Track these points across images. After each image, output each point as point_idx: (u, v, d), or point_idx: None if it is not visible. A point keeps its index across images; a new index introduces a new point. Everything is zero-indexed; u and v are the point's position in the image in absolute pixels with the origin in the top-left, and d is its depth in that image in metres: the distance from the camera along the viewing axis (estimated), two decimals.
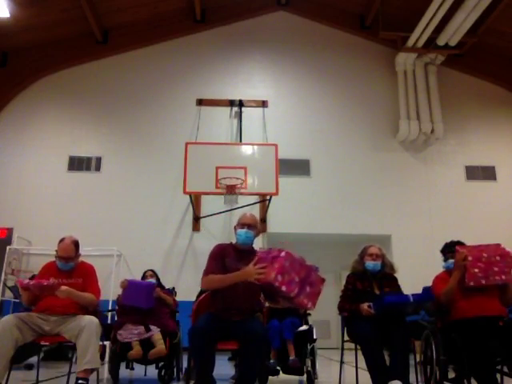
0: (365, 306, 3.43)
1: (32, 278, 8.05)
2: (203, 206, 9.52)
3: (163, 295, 4.54)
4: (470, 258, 3.28)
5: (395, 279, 3.78)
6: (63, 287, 3.30)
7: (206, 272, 3.06)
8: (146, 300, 4.28)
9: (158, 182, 9.76)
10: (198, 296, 4.80)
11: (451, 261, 3.55)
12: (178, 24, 10.85)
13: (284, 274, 2.71)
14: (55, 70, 10.51)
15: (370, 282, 3.69)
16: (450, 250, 3.65)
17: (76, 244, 3.58)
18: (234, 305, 3.01)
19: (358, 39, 11.08)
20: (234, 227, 3.28)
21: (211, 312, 3.04)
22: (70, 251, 3.52)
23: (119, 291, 4.57)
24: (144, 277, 4.85)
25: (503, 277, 3.25)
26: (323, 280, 2.87)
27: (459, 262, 3.33)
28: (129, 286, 4.36)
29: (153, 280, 4.70)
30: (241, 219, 3.27)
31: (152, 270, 4.90)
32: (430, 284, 3.62)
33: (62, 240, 3.56)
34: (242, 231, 3.19)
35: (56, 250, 3.56)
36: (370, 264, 3.73)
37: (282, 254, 2.75)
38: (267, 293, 3.06)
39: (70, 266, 3.55)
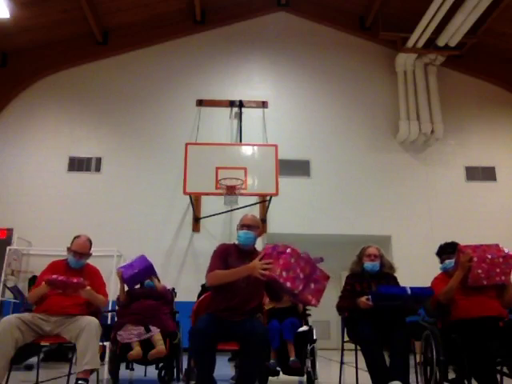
0: (363, 298, 3.43)
1: (32, 278, 8.09)
2: (203, 206, 9.52)
3: (155, 281, 4.55)
4: (475, 259, 3.29)
5: (394, 278, 3.78)
6: (88, 287, 3.35)
7: (211, 269, 3.07)
8: (141, 264, 4.45)
9: (158, 182, 9.76)
10: (198, 296, 4.80)
11: (448, 262, 3.58)
12: (178, 25, 10.85)
13: (289, 270, 2.73)
14: (55, 70, 10.51)
15: (369, 282, 3.69)
16: (444, 251, 3.67)
17: (91, 243, 3.69)
18: (235, 305, 3.01)
19: (357, 40, 11.09)
20: (237, 228, 3.31)
21: (211, 312, 3.03)
22: (85, 248, 3.62)
23: (119, 292, 4.56)
24: None
25: (503, 277, 3.30)
26: (328, 277, 2.88)
27: (464, 264, 3.31)
28: (124, 271, 4.42)
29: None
30: (241, 220, 3.30)
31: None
32: (429, 285, 3.62)
33: (77, 236, 3.66)
34: (242, 232, 3.22)
35: (68, 247, 3.62)
36: (368, 265, 3.73)
37: (288, 250, 2.77)
38: (271, 289, 3.07)
39: (81, 263, 3.62)
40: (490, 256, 3.29)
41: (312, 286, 2.80)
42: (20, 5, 8.86)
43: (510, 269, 3.31)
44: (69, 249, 3.61)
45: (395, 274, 3.82)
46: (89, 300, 3.46)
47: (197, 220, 9.51)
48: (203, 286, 4.90)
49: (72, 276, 3.43)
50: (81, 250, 3.58)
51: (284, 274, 2.72)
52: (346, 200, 9.90)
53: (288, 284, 2.72)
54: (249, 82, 10.65)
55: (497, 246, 3.37)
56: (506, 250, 3.34)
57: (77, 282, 3.28)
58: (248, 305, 3.05)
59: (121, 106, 10.35)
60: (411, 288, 3.32)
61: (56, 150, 10.01)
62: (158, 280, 4.70)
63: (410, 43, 10.00)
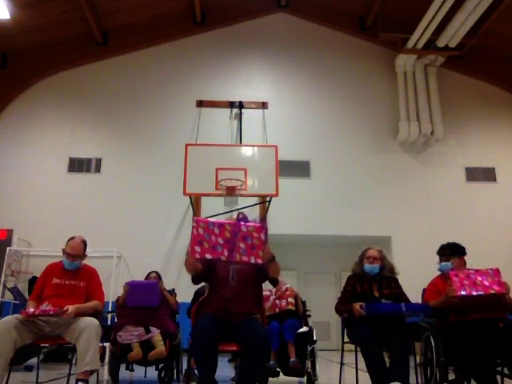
0: (357, 305, 3.43)
1: (32, 279, 8.08)
2: (203, 207, 9.50)
3: (167, 295, 4.55)
4: (459, 294, 3.16)
5: (395, 280, 3.77)
6: (69, 308, 3.25)
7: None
8: (150, 298, 4.32)
9: (158, 183, 9.76)
10: (192, 301, 4.78)
11: (444, 264, 3.60)
12: (178, 26, 10.86)
13: (202, 242, 2.62)
14: (55, 71, 10.52)
15: (370, 284, 3.68)
16: (443, 253, 3.67)
17: (85, 244, 3.69)
18: (232, 307, 2.99)
19: (357, 41, 11.09)
20: None
21: (211, 313, 3.02)
22: (78, 249, 3.60)
23: (119, 293, 4.56)
24: (147, 278, 4.85)
25: (495, 287, 3.12)
26: (260, 227, 2.66)
27: (448, 297, 3.24)
28: (131, 289, 4.36)
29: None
30: None
31: (156, 272, 4.89)
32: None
33: (72, 238, 3.67)
34: None
35: (63, 249, 3.62)
36: (368, 267, 3.72)
37: (193, 223, 2.66)
38: (262, 274, 3.04)
39: (76, 265, 3.61)
40: (475, 293, 3.13)
41: (241, 245, 2.63)
42: (20, 6, 8.86)
43: (501, 300, 3.18)
44: (63, 250, 3.62)
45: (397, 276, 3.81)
46: (73, 301, 3.37)
47: None
48: (196, 294, 4.89)
49: (67, 277, 3.52)
50: (73, 252, 3.57)
51: (197, 248, 2.60)
52: (346, 201, 9.90)
53: (208, 256, 2.61)
54: (249, 82, 10.65)
55: (495, 272, 3.20)
56: (502, 279, 3.16)
57: (54, 313, 3.22)
58: (241, 305, 3.02)
59: (121, 107, 10.35)
60: (406, 306, 3.33)
61: (56, 151, 10.01)
62: (171, 294, 4.71)
63: (410, 44, 10.00)
